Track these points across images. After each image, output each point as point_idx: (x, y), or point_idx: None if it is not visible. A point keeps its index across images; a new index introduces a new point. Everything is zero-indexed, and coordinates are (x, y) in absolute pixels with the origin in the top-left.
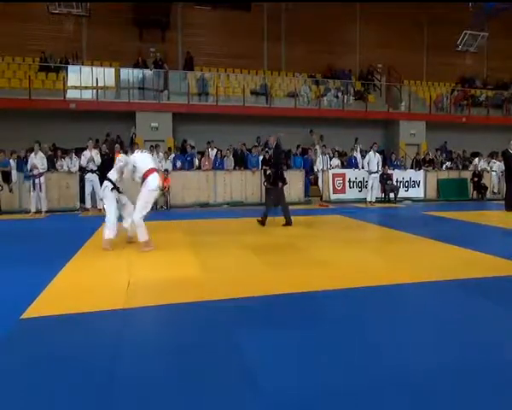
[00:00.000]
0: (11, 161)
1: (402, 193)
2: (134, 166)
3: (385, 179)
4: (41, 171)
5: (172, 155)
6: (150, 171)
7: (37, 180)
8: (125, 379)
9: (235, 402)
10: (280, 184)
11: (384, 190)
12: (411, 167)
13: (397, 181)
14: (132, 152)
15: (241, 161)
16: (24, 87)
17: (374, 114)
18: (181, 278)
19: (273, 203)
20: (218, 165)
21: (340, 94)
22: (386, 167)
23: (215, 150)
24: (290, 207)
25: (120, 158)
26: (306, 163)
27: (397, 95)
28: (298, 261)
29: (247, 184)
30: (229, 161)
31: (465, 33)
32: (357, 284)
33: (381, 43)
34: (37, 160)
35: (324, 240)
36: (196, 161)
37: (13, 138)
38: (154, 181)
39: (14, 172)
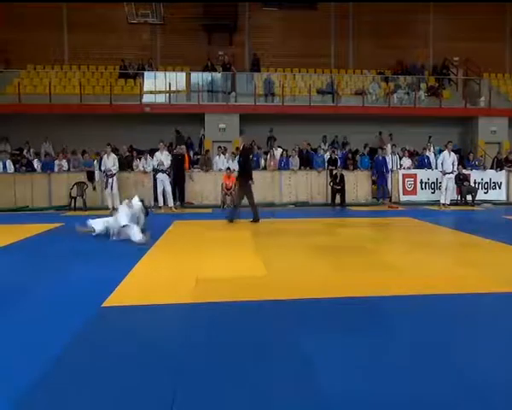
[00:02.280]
0: (95, 161)
1: (481, 195)
2: None
3: (461, 180)
4: (113, 172)
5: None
6: None
7: (110, 180)
8: (194, 369)
9: (295, 407)
10: (250, 182)
11: (460, 192)
12: (491, 168)
13: (475, 182)
14: None
15: (307, 161)
16: (106, 93)
17: (449, 110)
18: (247, 276)
19: (240, 200)
20: (283, 165)
21: (411, 90)
22: (461, 167)
23: (280, 150)
24: (357, 209)
25: None
26: (381, 163)
27: (475, 89)
28: (365, 264)
29: (313, 185)
30: (295, 161)
31: None
32: (427, 291)
33: (457, 34)
34: (109, 161)
35: (393, 243)
36: (262, 161)
37: (95, 140)
38: None
39: (96, 172)
